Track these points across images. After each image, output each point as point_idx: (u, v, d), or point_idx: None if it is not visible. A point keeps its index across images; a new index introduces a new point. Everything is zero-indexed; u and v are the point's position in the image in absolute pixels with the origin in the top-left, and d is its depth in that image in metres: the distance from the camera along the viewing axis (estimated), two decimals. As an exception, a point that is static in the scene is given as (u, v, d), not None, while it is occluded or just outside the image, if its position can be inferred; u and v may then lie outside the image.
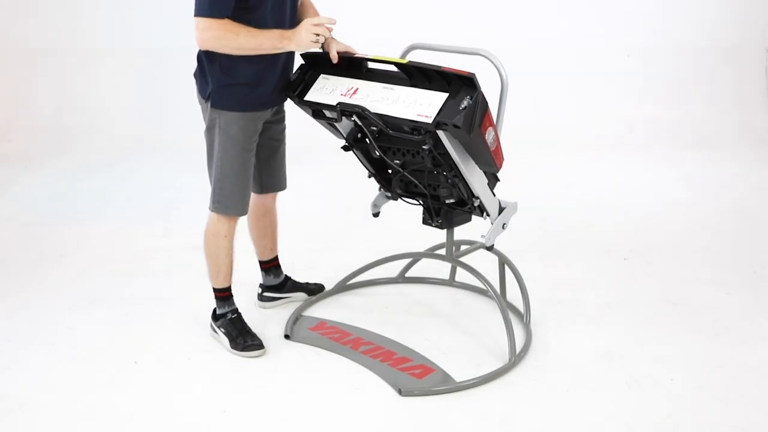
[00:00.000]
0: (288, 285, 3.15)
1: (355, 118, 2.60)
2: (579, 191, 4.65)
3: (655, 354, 2.75)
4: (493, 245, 2.77)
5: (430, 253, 3.14)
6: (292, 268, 3.27)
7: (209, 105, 2.62)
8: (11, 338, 2.90)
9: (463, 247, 3.06)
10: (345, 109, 2.55)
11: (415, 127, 2.44)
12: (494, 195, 2.72)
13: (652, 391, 2.53)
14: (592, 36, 6.17)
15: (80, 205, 4.45)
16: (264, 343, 2.77)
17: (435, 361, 2.70)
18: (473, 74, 2.34)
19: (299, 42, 2.49)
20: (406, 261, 3.31)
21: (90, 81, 6.14)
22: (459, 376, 2.60)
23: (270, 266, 3.10)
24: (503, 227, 2.75)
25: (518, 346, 2.74)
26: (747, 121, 5.97)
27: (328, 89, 2.63)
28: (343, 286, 3.24)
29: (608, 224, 4.07)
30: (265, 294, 3.13)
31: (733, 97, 6.10)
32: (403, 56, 2.90)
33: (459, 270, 3.28)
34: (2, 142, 5.76)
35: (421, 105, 2.42)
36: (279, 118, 2.83)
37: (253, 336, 2.78)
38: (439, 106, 2.38)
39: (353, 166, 2.98)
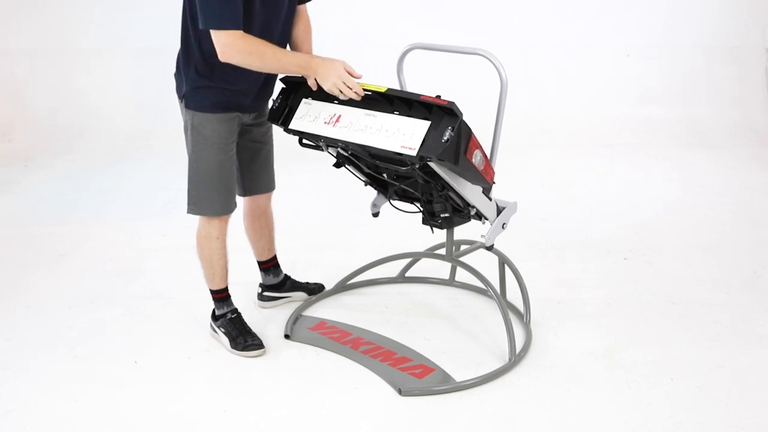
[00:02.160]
0: (288, 284, 3.15)
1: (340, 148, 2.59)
2: (579, 191, 4.65)
3: (655, 354, 2.75)
4: (493, 245, 2.77)
5: (430, 253, 3.14)
6: (292, 268, 3.27)
7: (183, 105, 2.61)
8: (11, 338, 2.90)
9: (463, 247, 3.06)
10: (330, 144, 2.53)
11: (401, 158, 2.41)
12: (490, 200, 2.71)
13: (652, 391, 2.53)
14: (592, 36, 6.18)
15: (80, 204, 4.45)
16: (264, 343, 2.77)
17: (435, 360, 2.70)
18: (453, 103, 2.30)
19: (324, 80, 2.41)
20: (406, 261, 3.31)
21: (90, 81, 6.15)
22: (459, 375, 2.60)
23: (269, 266, 3.10)
24: (503, 227, 2.75)
25: (518, 346, 2.74)
26: (747, 121, 5.98)
27: (311, 116, 2.58)
28: (343, 286, 3.24)
29: (608, 224, 4.07)
30: (265, 293, 3.13)
31: (733, 97, 6.11)
32: (403, 56, 2.89)
33: (459, 270, 3.28)
34: (2, 142, 5.77)
35: (404, 135, 2.37)
36: (261, 122, 2.79)
37: (253, 336, 2.78)
38: (422, 137, 2.33)
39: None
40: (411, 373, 2.62)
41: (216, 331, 2.83)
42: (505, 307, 2.78)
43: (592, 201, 4.45)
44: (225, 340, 2.78)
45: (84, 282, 3.39)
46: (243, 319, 2.83)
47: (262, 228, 3.01)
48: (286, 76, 2.64)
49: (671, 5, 6.14)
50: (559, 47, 6.17)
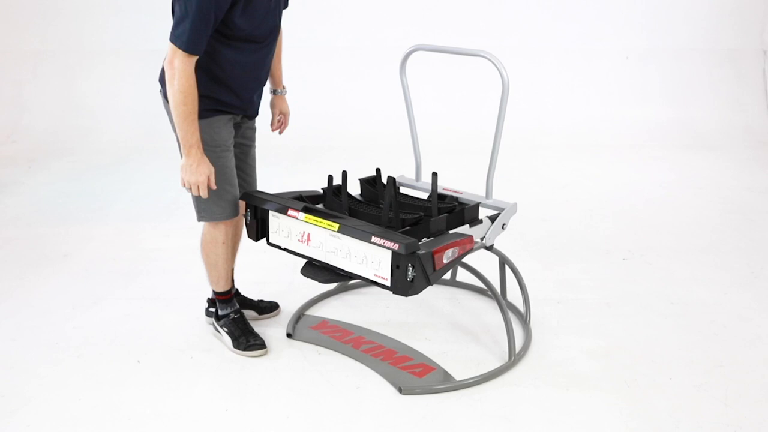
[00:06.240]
0: (239, 299, 3.01)
1: None
2: (579, 191, 4.67)
3: (655, 354, 2.77)
4: (493, 245, 2.79)
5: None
6: (293, 268, 3.29)
7: None
8: (15, 337, 2.92)
9: (463, 248, 3.08)
10: (309, 275, 2.58)
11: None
12: (481, 221, 2.73)
13: (652, 391, 2.54)
14: (592, 38, 6.21)
15: (84, 206, 4.47)
16: (266, 342, 2.79)
17: (435, 359, 2.72)
18: (402, 245, 2.29)
19: (183, 173, 2.49)
20: (407, 261, 3.32)
21: (93, 83, 6.17)
22: (459, 374, 2.62)
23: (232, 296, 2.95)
24: (503, 227, 2.77)
25: (518, 346, 2.76)
26: (745, 123, 6.01)
27: (284, 231, 2.67)
28: (344, 286, 3.26)
29: (607, 224, 4.09)
30: (211, 309, 2.98)
31: (732, 99, 6.13)
32: (406, 57, 2.91)
33: (459, 270, 3.30)
34: (6, 144, 5.79)
35: (372, 263, 2.41)
36: (249, 115, 2.73)
37: (256, 336, 2.80)
38: (389, 268, 2.36)
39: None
40: (411, 372, 2.64)
41: (219, 331, 2.85)
42: (505, 307, 2.79)
43: (592, 201, 4.47)
44: (227, 339, 2.80)
45: (87, 282, 3.41)
46: (246, 319, 2.85)
47: (235, 244, 2.88)
48: (246, 194, 2.72)
49: (669, 8, 6.17)
50: (559, 49, 6.19)
